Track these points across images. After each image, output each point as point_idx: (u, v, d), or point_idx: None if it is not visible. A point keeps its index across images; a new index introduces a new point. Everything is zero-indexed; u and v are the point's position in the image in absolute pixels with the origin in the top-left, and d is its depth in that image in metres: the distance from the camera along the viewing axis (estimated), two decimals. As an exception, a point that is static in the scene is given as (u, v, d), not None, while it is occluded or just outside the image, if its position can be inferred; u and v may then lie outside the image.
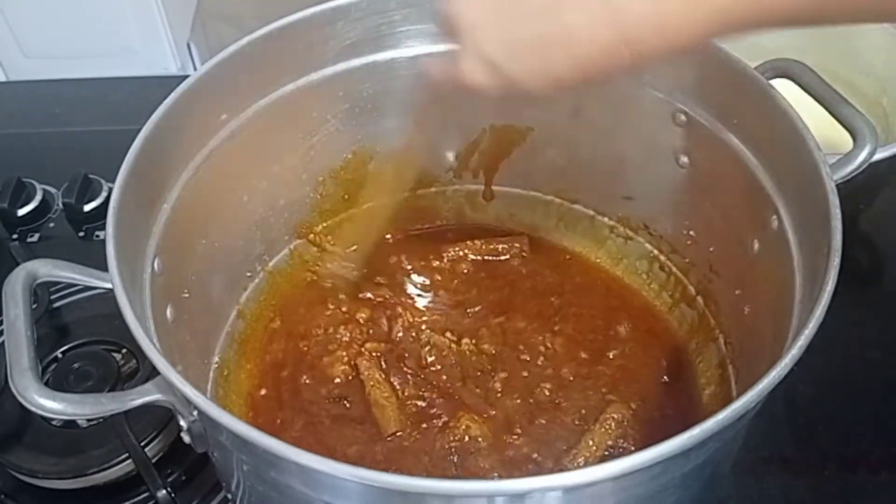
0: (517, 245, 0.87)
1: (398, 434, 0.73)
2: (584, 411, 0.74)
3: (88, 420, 0.78)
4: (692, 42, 0.51)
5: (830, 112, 0.66)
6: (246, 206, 0.77)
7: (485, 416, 0.74)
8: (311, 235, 0.85)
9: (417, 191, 0.87)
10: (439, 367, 0.77)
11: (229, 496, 0.71)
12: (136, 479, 0.77)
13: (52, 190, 1.03)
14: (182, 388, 0.50)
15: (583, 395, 0.76)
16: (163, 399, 0.55)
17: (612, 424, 0.73)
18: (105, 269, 0.56)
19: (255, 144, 0.74)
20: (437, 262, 0.86)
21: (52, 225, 1.00)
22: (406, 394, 0.75)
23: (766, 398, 0.51)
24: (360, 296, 0.83)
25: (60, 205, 1.01)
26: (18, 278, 0.58)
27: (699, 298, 0.80)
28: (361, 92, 0.77)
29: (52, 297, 0.88)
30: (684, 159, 0.75)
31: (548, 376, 0.77)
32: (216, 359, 0.77)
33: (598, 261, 0.87)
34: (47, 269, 0.59)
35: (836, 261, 0.55)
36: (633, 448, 0.73)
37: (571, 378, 0.77)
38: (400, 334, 0.80)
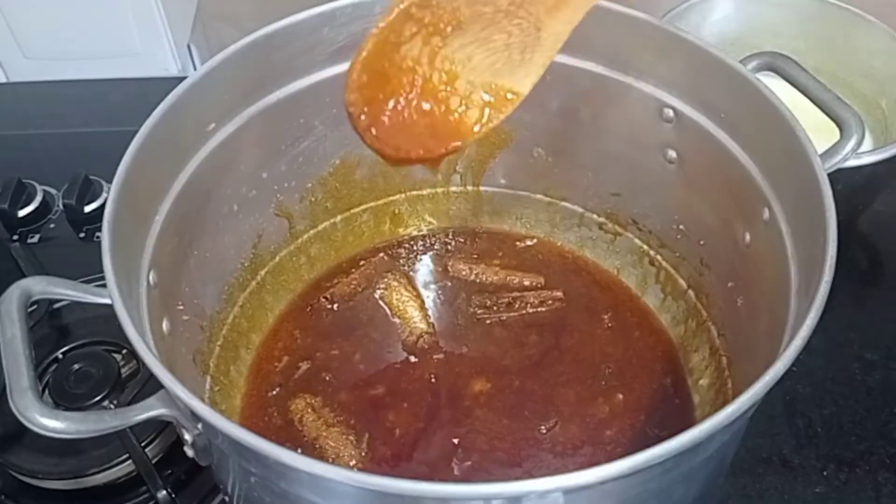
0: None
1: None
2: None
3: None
4: None
5: (816, 103, 0.67)
6: (236, 216, 0.76)
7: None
8: (301, 243, 0.84)
9: (406, 194, 0.87)
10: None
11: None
12: (136, 479, 0.77)
13: (53, 191, 1.03)
14: (190, 402, 0.50)
15: (573, 389, 0.77)
16: (167, 413, 0.55)
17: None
18: (101, 275, 0.56)
19: (244, 153, 0.74)
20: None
21: (52, 226, 1.00)
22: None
23: (766, 398, 0.51)
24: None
25: (61, 206, 1.01)
26: (13, 297, 0.57)
27: (690, 292, 0.80)
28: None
29: (52, 297, 0.88)
30: (672, 154, 0.75)
31: (536, 370, 0.78)
32: (210, 371, 0.76)
33: (587, 257, 0.87)
34: (42, 286, 0.59)
35: (832, 250, 0.55)
36: (624, 440, 0.73)
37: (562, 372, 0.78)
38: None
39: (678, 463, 0.51)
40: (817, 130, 0.64)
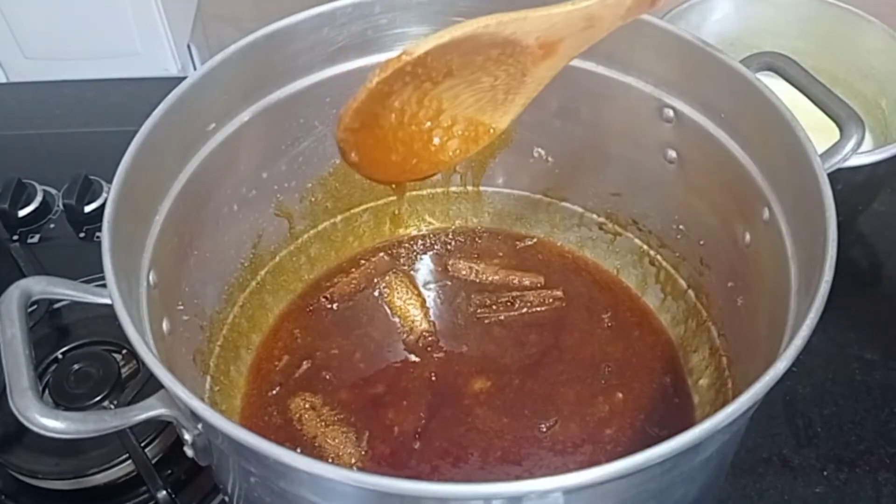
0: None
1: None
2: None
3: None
4: None
5: (816, 103, 0.67)
6: (236, 216, 0.76)
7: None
8: (301, 243, 0.84)
9: (405, 194, 0.87)
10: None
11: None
12: (136, 479, 0.77)
13: (53, 191, 1.03)
14: (190, 402, 0.50)
15: (573, 389, 0.77)
16: (167, 413, 0.55)
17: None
18: (101, 275, 0.56)
19: (244, 153, 0.74)
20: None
21: (52, 226, 1.01)
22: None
23: (766, 398, 0.51)
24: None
25: (61, 206, 1.01)
26: (13, 297, 0.57)
27: (690, 292, 0.80)
28: (348, 97, 0.77)
29: (52, 297, 0.88)
30: (672, 154, 0.75)
31: (536, 369, 0.78)
32: (210, 371, 0.76)
33: (587, 256, 0.87)
34: (42, 286, 0.59)
35: (832, 250, 0.55)
36: (624, 438, 0.74)
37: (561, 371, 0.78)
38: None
39: (678, 463, 0.51)
40: (817, 130, 0.64)
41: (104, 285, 0.56)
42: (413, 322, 0.82)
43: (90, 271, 0.74)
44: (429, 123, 0.63)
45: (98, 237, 0.95)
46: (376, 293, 0.85)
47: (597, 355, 0.80)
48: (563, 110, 0.79)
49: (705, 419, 0.47)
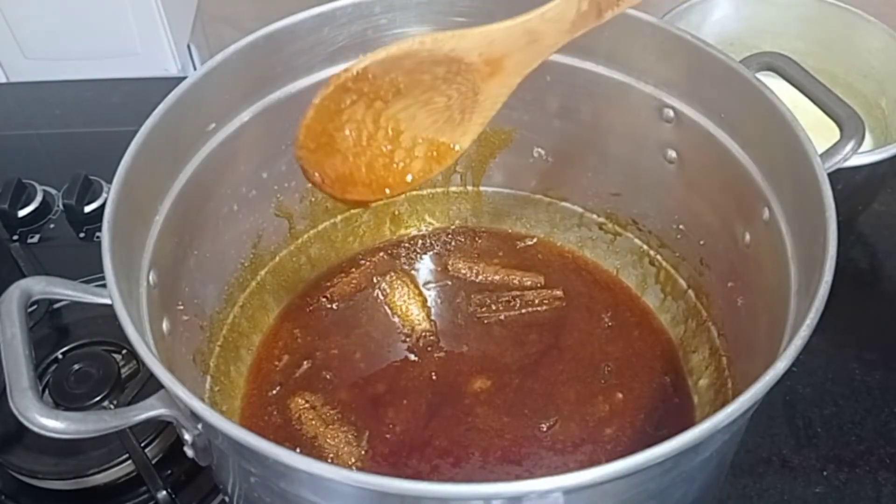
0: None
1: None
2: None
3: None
4: None
5: (816, 103, 0.67)
6: (236, 216, 0.76)
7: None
8: (301, 243, 0.84)
9: (406, 194, 0.87)
10: None
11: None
12: (136, 480, 0.77)
13: (53, 191, 1.03)
14: (190, 402, 0.50)
15: (573, 388, 0.77)
16: (167, 413, 0.55)
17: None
18: (101, 275, 0.56)
19: (244, 153, 0.74)
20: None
21: (52, 226, 1.01)
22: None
23: (766, 398, 0.51)
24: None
25: (61, 206, 1.01)
26: (13, 297, 0.57)
27: (690, 292, 0.80)
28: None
29: (52, 297, 0.88)
30: (672, 154, 0.75)
31: (536, 368, 0.78)
32: (210, 371, 0.76)
33: (587, 256, 0.87)
34: (42, 286, 0.59)
35: (832, 250, 0.55)
36: (624, 438, 0.74)
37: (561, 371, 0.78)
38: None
39: (678, 463, 0.51)
40: (817, 130, 0.64)
41: (104, 285, 0.56)
42: (413, 322, 0.82)
43: (90, 271, 0.74)
44: (388, 145, 0.63)
45: (98, 237, 0.95)
46: (376, 293, 0.85)
47: (597, 355, 0.80)
48: (563, 110, 0.79)
49: (705, 419, 0.47)
